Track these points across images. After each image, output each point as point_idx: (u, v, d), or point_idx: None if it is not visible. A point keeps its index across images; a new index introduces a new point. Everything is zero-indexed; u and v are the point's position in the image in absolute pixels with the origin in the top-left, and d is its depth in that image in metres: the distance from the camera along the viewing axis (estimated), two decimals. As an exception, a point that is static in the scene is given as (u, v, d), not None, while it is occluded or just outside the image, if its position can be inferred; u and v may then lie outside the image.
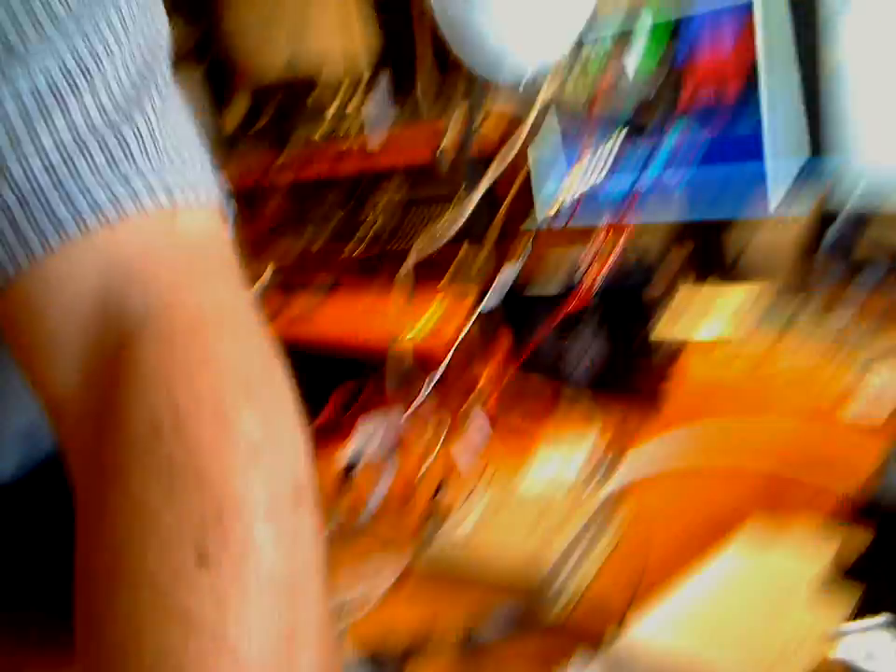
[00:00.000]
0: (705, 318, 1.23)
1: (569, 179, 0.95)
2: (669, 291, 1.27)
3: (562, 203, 0.92)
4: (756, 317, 1.13)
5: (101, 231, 0.30)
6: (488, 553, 0.51)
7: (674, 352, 0.93)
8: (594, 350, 0.85)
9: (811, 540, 0.49)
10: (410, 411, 0.80)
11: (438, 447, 0.72)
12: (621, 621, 0.46)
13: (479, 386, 0.86)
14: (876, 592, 0.37)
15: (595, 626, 0.46)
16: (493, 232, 1.07)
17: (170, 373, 0.28)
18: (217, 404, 0.27)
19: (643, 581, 0.49)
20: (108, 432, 0.28)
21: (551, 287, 0.90)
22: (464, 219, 0.86)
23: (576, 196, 0.99)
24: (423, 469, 0.69)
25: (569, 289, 0.86)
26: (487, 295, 0.90)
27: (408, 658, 0.45)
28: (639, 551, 0.53)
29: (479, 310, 0.89)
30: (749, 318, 1.13)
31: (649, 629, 0.45)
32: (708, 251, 1.34)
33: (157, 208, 0.31)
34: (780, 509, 0.56)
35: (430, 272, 0.98)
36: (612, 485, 0.60)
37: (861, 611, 0.38)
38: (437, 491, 0.58)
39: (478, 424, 0.79)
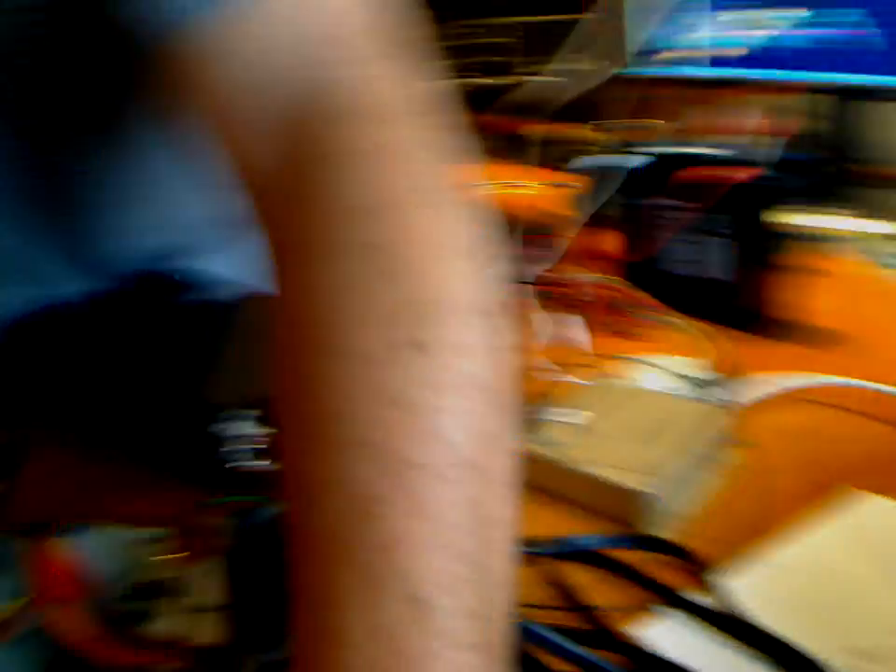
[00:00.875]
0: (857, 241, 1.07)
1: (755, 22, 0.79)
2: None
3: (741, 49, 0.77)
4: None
5: None
6: (594, 455, 0.48)
7: (816, 273, 0.79)
8: (723, 259, 0.72)
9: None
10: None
11: (547, 332, 0.66)
12: (729, 554, 0.43)
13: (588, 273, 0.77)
14: None
15: (699, 552, 0.42)
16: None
17: (384, 153, 0.27)
18: (436, 194, 0.27)
19: (756, 518, 0.45)
20: (316, 207, 0.27)
21: (711, 148, 0.77)
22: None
23: (758, 42, 0.83)
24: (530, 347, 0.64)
25: (738, 158, 0.73)
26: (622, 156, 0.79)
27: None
28: (755, 485, 0.49)
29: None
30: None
31: (759, 569, 0.42)
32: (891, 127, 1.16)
33: None
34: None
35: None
36: (733, 408, 0.55)
37: None
38: (547, 379, 0.54)
39: (578, 319, 0.72)
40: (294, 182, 0.29)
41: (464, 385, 0.24)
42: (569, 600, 0.39)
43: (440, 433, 0.23)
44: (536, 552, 0.42)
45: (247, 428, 0.47)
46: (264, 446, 0.47)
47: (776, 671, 0.35)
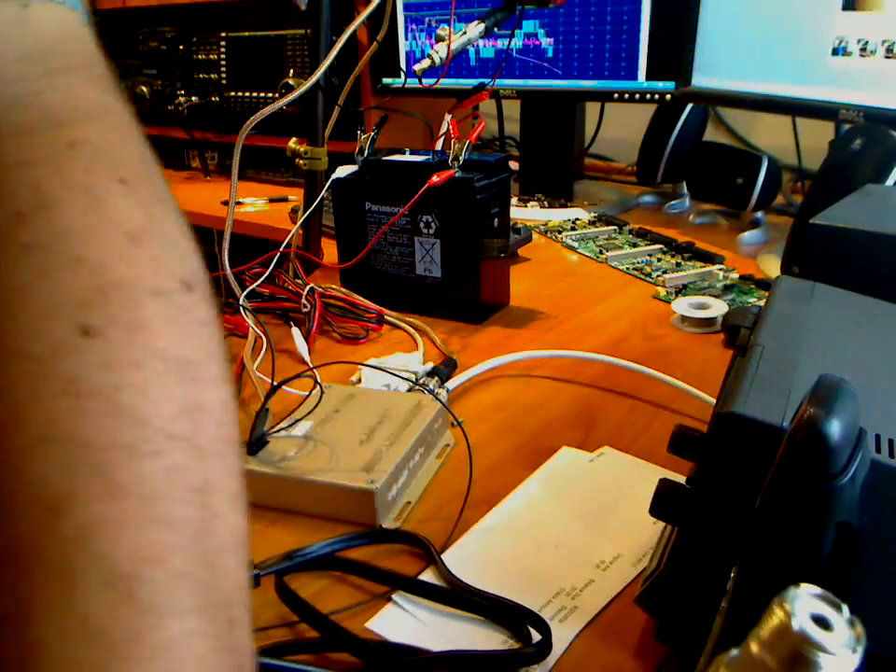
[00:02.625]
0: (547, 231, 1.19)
1: (441, 35, 0.84)
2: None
3: (431, 60, 0.81)
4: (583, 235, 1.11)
5: None
6: (319, 462, 0.48)
7: (516, 261, 0.86)
8: (433, 256, 0.77)
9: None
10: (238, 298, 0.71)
11: (265, 347, 0.65)
12: (453, 529, 0.46)
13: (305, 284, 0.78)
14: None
15: (428, 535, 0.44)
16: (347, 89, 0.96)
17: (32, 160, 0.27)
18: (90, 188, 0.26)
19: (473, 490, 0.49)
20: None
21: (407, 154, 0.81)
22: (323, 71, 0.74)
23: (445, 54, 0.89)
24: (249, 365, 0.63)
25: (434, 162, 0.77)
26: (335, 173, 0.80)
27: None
28: (468, 460, 0.52)
29: (329, 181, 0.80)
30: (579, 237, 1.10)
31: (478, 536, 0.45)
32: (568, 127, 1.29)
33: None
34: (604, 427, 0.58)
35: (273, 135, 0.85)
36: (444, 395, 0.59)
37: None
38: (268, 394, 0.52)
39: (297, 330, 0.73)
40: None
41: (148, 360, 0.24)
42: (304, 612, 0.39)
43: (125, 410, 0.22)
44: (267, 571, 0.41)
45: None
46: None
47: (500, 631, 0.38)
